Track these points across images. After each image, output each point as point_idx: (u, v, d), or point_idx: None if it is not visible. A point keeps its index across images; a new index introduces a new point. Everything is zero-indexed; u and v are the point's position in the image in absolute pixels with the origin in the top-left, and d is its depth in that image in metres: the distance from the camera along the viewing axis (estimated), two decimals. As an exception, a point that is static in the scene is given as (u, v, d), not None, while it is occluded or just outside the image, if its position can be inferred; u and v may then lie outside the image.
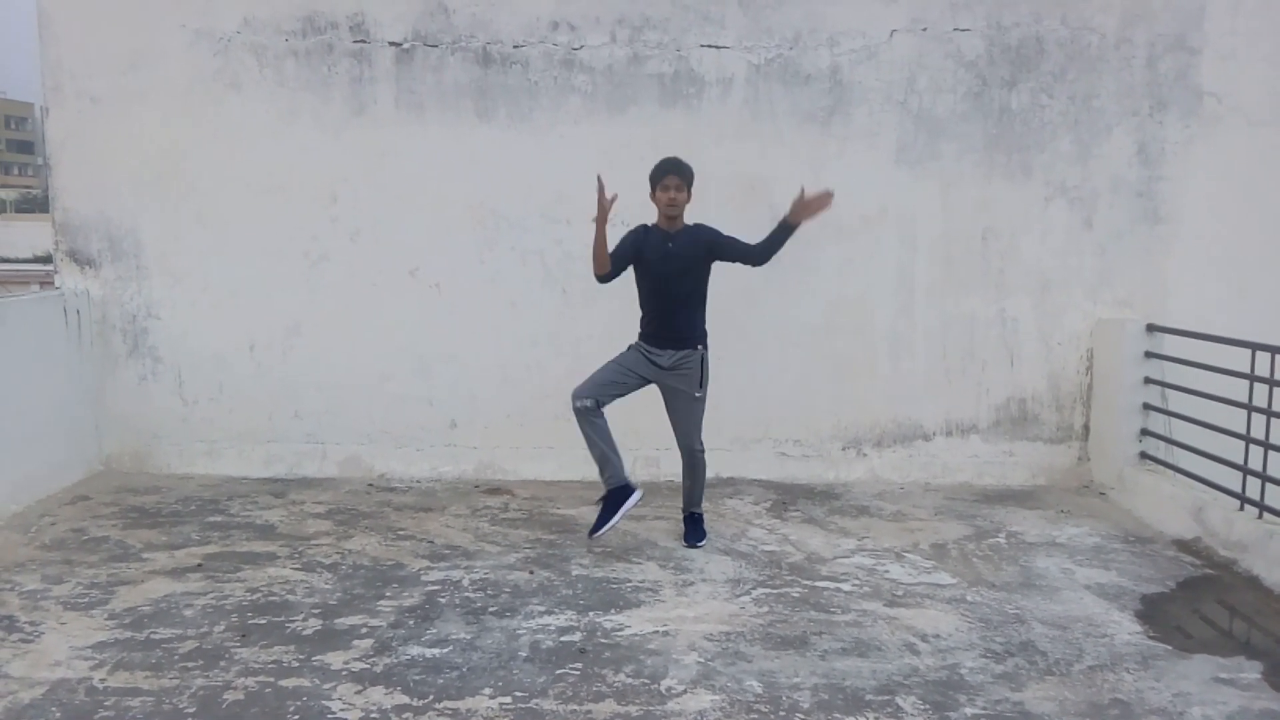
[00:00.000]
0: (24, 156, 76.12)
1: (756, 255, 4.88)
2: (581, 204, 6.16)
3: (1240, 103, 6.16)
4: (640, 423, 5.37)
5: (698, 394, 4.87)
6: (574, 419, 4.80)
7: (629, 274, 4.89)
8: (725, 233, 4.92)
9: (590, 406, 4.76)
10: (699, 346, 4.88)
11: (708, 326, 4.96)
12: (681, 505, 5.21)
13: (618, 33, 6.20)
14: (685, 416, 4.91)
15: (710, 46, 6.20)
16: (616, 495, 4.83)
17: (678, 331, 4.85)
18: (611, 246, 4.79)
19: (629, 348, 4.94)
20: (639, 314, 4.96)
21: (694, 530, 5.09)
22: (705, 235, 4.88)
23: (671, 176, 4.75)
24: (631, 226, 4.96)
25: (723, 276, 6.27)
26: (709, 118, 6.20)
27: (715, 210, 6.23)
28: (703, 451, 4.99)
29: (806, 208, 4.82)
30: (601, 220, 4.67)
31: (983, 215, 6.28)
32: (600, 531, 4.83)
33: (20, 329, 5.75)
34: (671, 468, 5.98)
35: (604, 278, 4.81)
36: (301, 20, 6.21)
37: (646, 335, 4.92)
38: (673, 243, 4.82)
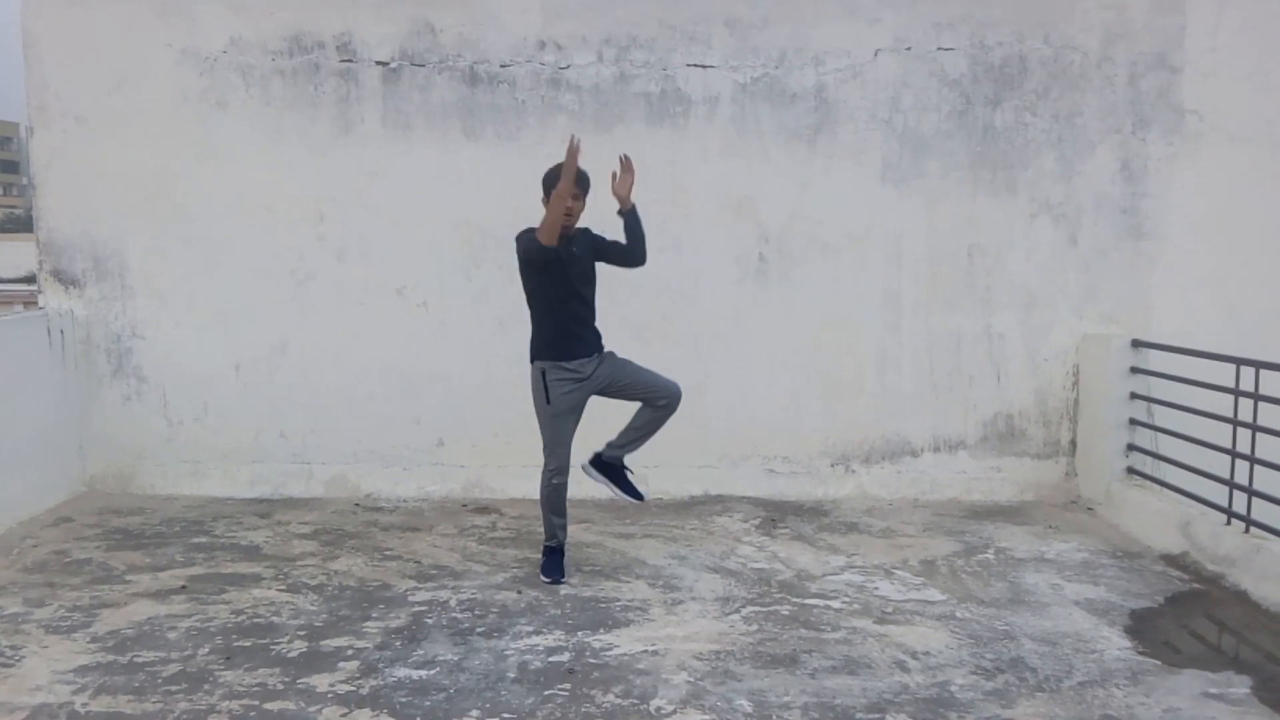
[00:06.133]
0: (8, 176, 75.85)
1: (634, 256, 4.74)
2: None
3: (1221, 120, 6.22)
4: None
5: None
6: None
7: (531, 288, 4.71)
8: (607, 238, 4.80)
9: (564, 482, 4.77)
10: (604, 349, 4.76)
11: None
12: (610, 450, 4.87)
13: (604, 52, 6.23)
14: (642, 373, 4.75)
15: (697, 66, 6.23)
16: (558, 553, 4.89)
17: (593, 337, 4.74)
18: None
19: (545, 385, 4.64)
20: (537, 332, 4.71)
21: (624, 480, 4.92)
22: (592, 239, 4.76)
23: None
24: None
25: (711, 297, 6.34)
26: (696, 136, 6.23)
27: (702, 228, 6.30)
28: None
29: (621, 186, 4.68)
30: (568, 185, 4.42)
31: (968, 232, 6.32)
32: (554, 580, 4.79)
33: (3, 349, 5.70)
34: (660, 485, 5.99)
35: (552, 251, 4.52)
36: (288, 40, 6.21)
37: (562, 350, 4.65)
38: (575, 246, 4.70)
